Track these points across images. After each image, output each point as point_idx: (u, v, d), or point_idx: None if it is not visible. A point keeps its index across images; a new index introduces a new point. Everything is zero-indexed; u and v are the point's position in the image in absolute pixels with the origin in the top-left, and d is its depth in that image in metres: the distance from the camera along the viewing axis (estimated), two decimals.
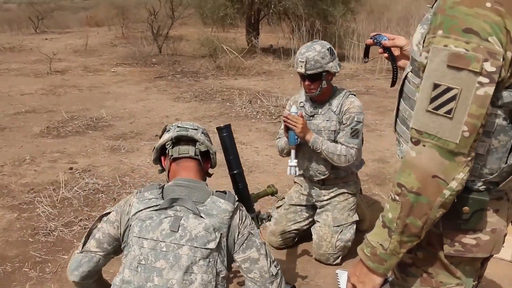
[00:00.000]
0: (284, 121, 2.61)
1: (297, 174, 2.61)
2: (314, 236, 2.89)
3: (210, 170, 2.02)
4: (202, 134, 1.92)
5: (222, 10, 11.06)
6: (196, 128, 1.94)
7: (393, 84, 1.64)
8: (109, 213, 1.81)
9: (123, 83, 8.36)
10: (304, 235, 3.05)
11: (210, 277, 1.61)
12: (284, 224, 2.98)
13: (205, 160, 1.94)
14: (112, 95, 7.42)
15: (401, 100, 1.35)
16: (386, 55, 1.63)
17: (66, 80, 8.48)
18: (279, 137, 2.91)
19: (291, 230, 2.99)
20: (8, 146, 5.01)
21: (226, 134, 2.22)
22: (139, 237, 1.63)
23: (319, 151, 2.64)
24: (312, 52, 2.62)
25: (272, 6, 10.80)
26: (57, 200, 3.70)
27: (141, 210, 1.68)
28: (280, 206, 3.05)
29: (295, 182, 3.10)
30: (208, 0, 11.31)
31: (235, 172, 2.23)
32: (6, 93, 7.45)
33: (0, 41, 13.59)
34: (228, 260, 1.72)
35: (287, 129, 2.62)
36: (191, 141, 1.89)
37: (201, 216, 1.66)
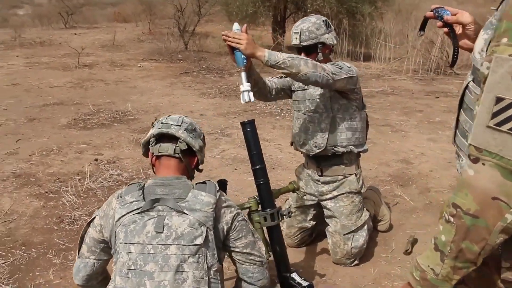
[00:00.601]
0: (224, 40, 2.24)
1: (252, 100, 2.21)
2: (329, 241, 2.84)
3: (200, 166, 1.99)
4: (185, 131, 1.85)
5: (251, 7, 11.06)
6: (180, 124, 1.86)
7: (453, 64, 1.50)
8: (94, 218, 1.82)
9: (149, 78, 8.45)
10: (322, 230, 3.03)
11: (202, 273, 1.62)
12: (296, 225, 2.97)
13: (191, 157, 1.89)
14: (138, 90, 7.51)
15: (461, 111, 1.24)
16: (446, 30, 1.48)
17: (93, 74, 8.62)
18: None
19: (305, 229, 2.98)
20: (37, 136, 5.13)
21: (249, 129, 2.21)
22: (125, 243, 1.63)
23: (281, 62, 2.23)
24: (307, 23, 2.56)
25: (309, 4, 10.76)
26: (82, 190, 3.77)
27: (124, 215, 1.67)
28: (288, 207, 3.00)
29: (296, 176, 3.03)
30: None
31: (257, 167, 2.22)
32: (36, 86, 7.61)
33: (31, 35, 13.90)
34: (218, 252, 1.72)
35: (232, 50, 2.26)
36: (174, 138, 1.84)
37: (185, 213, 1.65)
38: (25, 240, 3.07)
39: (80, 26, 17.25)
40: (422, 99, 7.07)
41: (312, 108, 2.70)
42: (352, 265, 2.81)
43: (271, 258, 2.23)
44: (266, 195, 2.22)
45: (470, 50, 1.27)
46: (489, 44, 1.05)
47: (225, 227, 1.75)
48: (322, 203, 2.85)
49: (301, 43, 2.56)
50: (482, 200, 1.00)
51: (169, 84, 8.00)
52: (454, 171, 4.26)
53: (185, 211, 1.66)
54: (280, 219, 2.22)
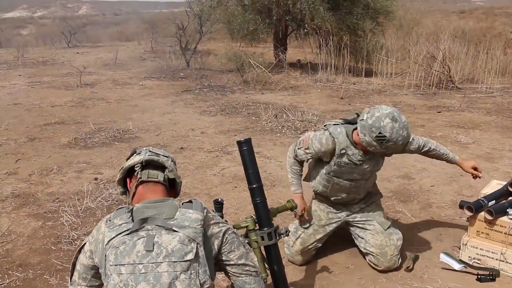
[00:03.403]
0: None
1: None
2: (371, 250, 2.85)
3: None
4: (172, 163, 1.96)
5: (252, 24, 11.15)
6: (167, 156, 1.97)
7: None
8: (85, 244, 1.81)
9: (151, 96, 8.48)
10: (320, 247, 3.00)
11: None
12: (313, 244, 2.94)
13: (170, 188, 1.94)
14: (139, 108, 7.53)
15: None
16: None
17: (95, 93, 8.67)
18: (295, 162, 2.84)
19: (317, 247, 2.97)
20: (37, 156, 5.13)
21: (245, 148, 2.20)
22: (115, 265, 1.61)
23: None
24: (403, 131, 2.39)
25: (306, 25, 10.80)
26: (80, 209, 3.75)
27: (113, 238, 1.66)
28: (308, 226, 2.96)
29: (314, 198, 3.03)
30: (237, 15, 11.44)
31: (254, 186, 2.20)
32: (37, 105, 7.65)
33: (34, 55, 14.05)
34: (210, 269, 1.71)
35: None
36: (160, 167, 1.91)
37: (174, 230, 1.65)
38: (22, 261, 3.04)
39: (83, 45, 17.44)
40: (424, 113, 7.05)
41: (358, 177, 2.77)
42: (396, 265, 2.85)
43: (269, 277, 2.19)
44: (263, 214, 2.19)
45: None
46: None
47: (216, 242, 1.76)
48: (350, 220, 2.95)
49: None
50: None
51: (170, 102, 8.03)
52: (456, 186, 4.22)
53: (174, 228, 1.65)
54: (277, 238, 2.19)
